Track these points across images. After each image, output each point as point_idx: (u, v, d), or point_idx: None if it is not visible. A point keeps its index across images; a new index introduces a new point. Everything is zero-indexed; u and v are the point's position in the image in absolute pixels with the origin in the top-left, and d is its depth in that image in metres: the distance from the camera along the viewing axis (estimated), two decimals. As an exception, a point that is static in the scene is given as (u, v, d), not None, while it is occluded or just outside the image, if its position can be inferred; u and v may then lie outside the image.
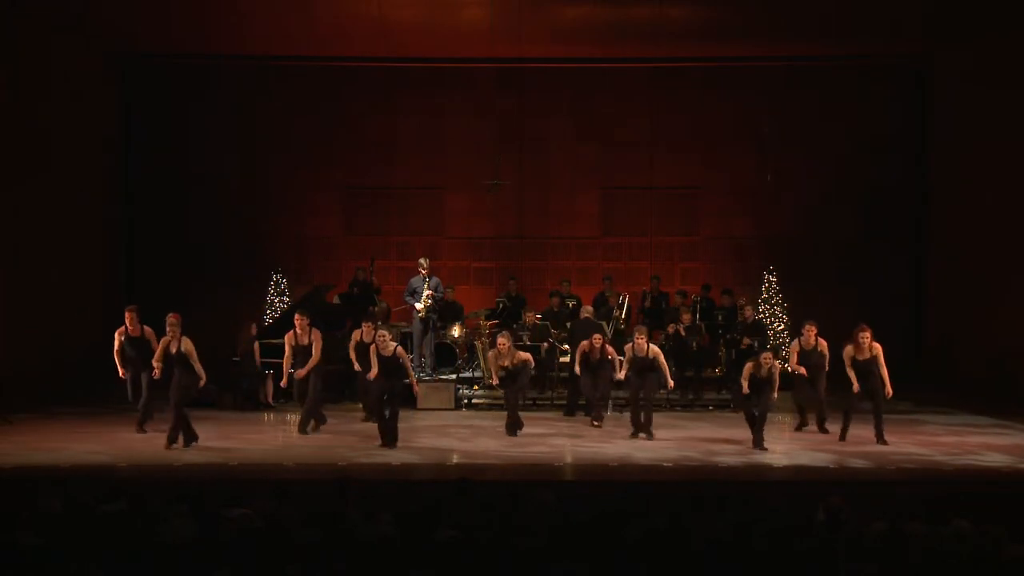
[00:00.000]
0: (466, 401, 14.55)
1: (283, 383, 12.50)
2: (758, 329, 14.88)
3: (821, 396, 12.43)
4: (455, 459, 10.93)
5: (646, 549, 6.18)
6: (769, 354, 11.56)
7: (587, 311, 14.11)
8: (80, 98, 16.32)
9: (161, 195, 18.03)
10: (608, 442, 11.85)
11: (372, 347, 11.64)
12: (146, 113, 18.09)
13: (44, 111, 15.32)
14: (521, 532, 6.40)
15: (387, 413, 11.41)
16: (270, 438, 12.03)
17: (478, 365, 14.81)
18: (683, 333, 14.46)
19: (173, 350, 11.31)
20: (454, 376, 14.91)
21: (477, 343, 15.04)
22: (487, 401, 14.55)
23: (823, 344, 12.41)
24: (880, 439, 11.64)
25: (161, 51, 17.30)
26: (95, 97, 16.93)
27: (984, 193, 16.08)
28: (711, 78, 17.97)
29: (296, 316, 12.54)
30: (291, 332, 12.36)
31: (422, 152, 18.28)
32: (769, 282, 17.37)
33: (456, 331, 15.49)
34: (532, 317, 14.92)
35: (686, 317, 14.64)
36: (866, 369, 11.73)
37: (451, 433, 12.37)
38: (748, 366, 11.51)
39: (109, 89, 17.49)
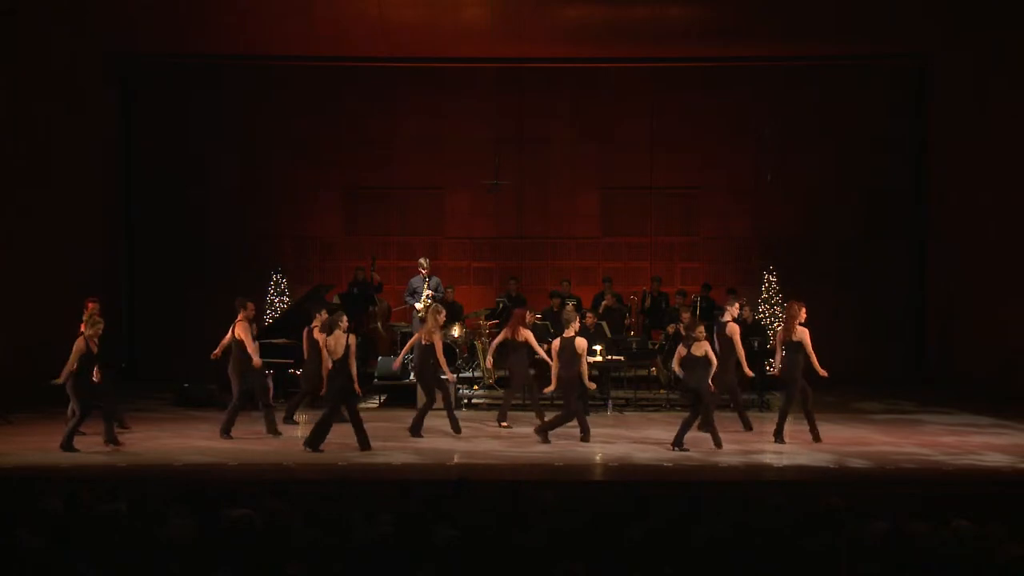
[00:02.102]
0: (466, 401, 14.55)
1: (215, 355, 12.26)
2: (757, 329, 14.87)
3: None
4: (455, 459, 10.94)
5: (646, 549, 6.18)
6: (701, 327, 11.54)
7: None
8: (80, 98, 16.32)
9: (161, 195, 18.03)
10: (608, 442, 11.86)
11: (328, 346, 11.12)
12: (146, 113, 18.08)
13: (44, 111, 15.32)
14: (521, 532, 6.39)
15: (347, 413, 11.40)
16: (270, 438, 12.02)
17: (478, 365, 14.82)
18: (683, 333, 14.41)
19: (95, 349, 10.96)
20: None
21: (477, 343, 15.04)
22: (487, 401, 14.57)
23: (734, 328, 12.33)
24: (816, 437, 11.74)
25: (161, 51, 17.30)
26: (95, 97, 16.93)
27: (984, 193, 16.08)
28: (711, 78, 17.97)
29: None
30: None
31: (422, 152, 18.27)
32: (769, 282, 17.38)
33: (456, 331, 15.47)
34: (532, 317, 14.89)
35: (686, 317, 14.59)
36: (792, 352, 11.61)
37: (451, 433, 12.36)
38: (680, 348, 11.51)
39: (109, 89, 17.49)
